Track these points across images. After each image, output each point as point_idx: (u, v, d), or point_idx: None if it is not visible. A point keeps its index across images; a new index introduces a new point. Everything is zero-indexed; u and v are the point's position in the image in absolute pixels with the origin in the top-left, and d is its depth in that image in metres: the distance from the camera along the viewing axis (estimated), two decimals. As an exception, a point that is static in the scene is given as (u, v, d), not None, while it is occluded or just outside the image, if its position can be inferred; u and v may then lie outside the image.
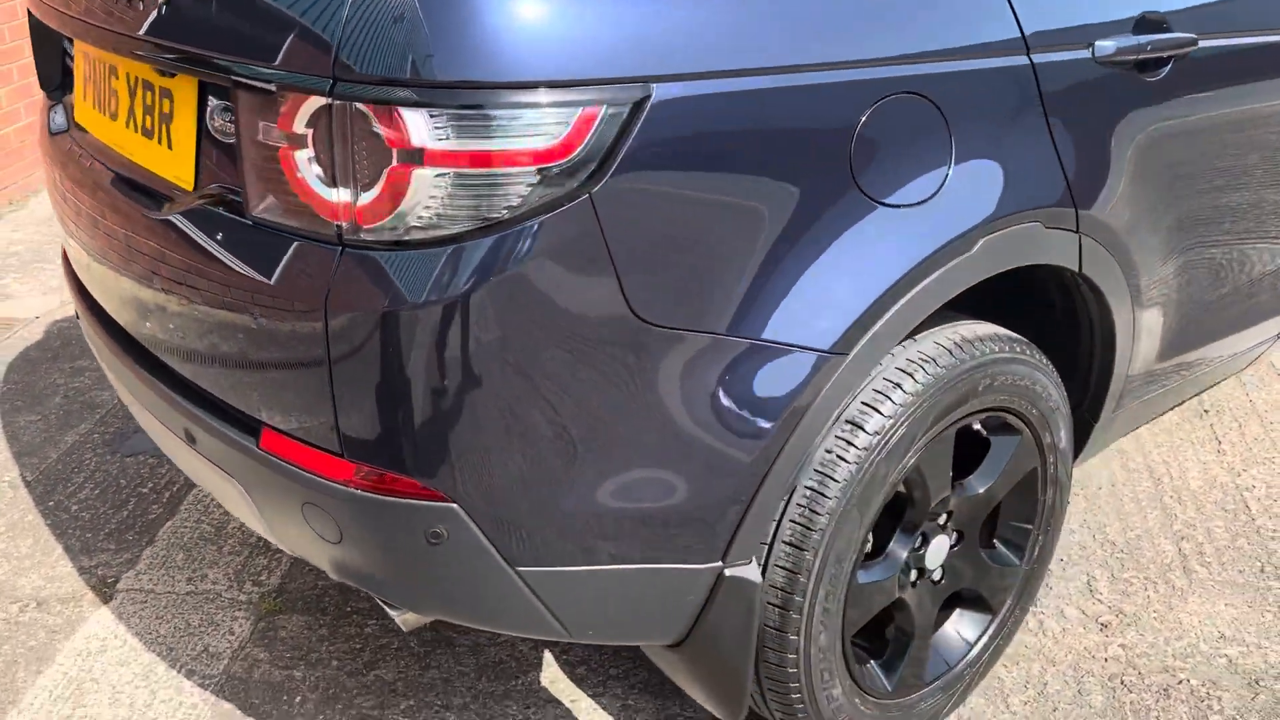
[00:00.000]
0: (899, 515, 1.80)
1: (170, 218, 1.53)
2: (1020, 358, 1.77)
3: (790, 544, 1.60)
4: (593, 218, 1.27)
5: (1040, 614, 2.30)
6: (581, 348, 1.34)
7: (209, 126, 1.46)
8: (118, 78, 1.67)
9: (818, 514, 1.59)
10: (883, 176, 1.47)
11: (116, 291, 1.74)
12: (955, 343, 1.70)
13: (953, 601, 2.01)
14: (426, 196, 1.25)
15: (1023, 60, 1.59)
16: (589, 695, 2.10)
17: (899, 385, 1.63)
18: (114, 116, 1.70)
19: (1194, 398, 3.15)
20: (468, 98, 1.22)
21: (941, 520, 1.84)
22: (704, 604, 1.55)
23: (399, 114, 1.22)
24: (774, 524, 1.60)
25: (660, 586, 1.51)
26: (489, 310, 1.28)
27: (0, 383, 3.31)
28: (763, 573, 1.61)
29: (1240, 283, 2.21)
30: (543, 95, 1.23)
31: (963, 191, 1.54)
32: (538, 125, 1.23)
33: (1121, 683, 2.12)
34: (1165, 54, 1.77)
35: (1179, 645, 2.21)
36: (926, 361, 1.66)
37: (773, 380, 1.43)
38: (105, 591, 2.39)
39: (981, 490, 1.85)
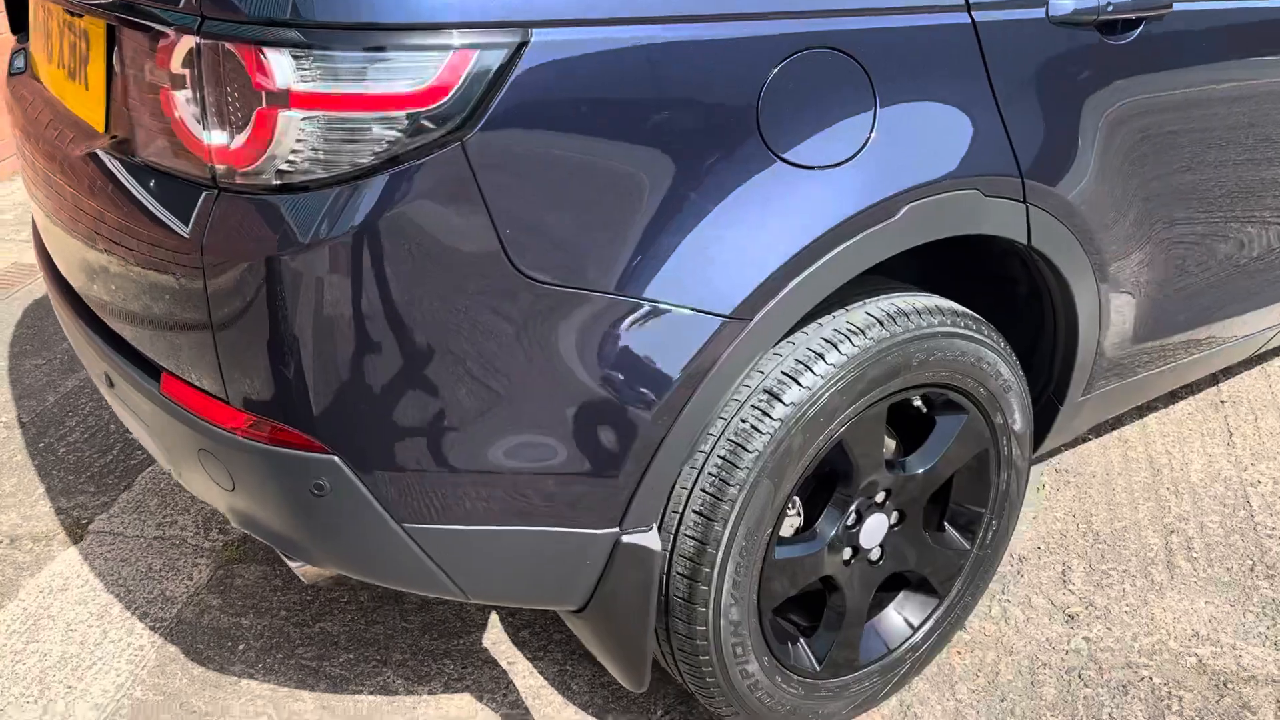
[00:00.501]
0: (830, 491, 1.74)
1: (85, 160, 1.53)
2: (964, 333, 1.69)
3: (700, 514, 1.56)
4: (466, 167, 1.24)
5: (1005, 601, 2.22)
6: (460, 301, 1.30)
7: (114, 68, 1.46)
8: (52, 18, 1.67)
9: (728, 485, 1.54)
10: (795, 135, 1.41)
11: (54, 235, 1.76)
12: (888, 314, 1.63)
13: (897, 583, 1.94)
14: (294, 140, 1.22)
15: (963, 18, 1.50)
16: (528, 658, 2.08)
17: (821, 356, 1.57)
18: (50, 58, 1.71)
19: (1210, 386, 3.02)
20: (332, 39, 1.19)
21: (879, 499, 1.77)
22: (603, 571, 1.51)
23: (264, 55, 1.19)
24: (683, 492, 1.56)
25: (555, 551, 1.48)
26: (360, 259, 1.26)
27: (16, 326, 3.39)
28: (673, 543, 1.58)
29: (1229, 265, 2.09)
30: (411, 38, 1.19)
31: (887, 154, 1.47)
32: (406, 69, 1.20)
33: (1079, 676, 2.04)
34: (1134, 15, 1.66)
35: (1147, 641, 2.12)
36: (855, 333, 1.60)
37: (667, 344, 1.39)
38: (77, 533, 2.44)
39: (922, 470, 1.78)
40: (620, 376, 1.38)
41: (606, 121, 1.30)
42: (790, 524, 1.77)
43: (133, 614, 2.20)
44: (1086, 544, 2.40)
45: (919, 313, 1.66)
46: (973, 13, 1.51)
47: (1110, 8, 1.61)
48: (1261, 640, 2.11)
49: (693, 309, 1.38)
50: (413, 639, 2.13)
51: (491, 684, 2.02)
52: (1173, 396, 3.00)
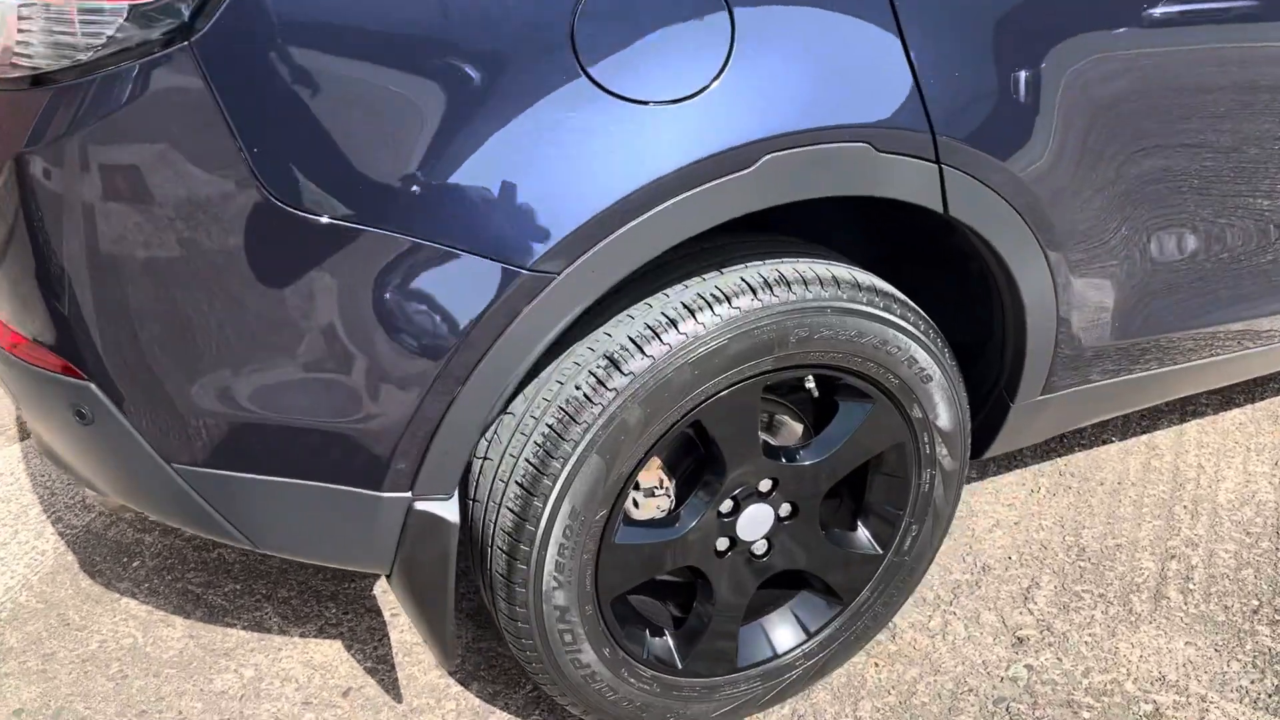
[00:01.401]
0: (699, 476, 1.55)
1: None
2: (863, 310, 1.46)
3: (521, 486, 1.40)
4: (197, 71, 1.09)
5: (950, 614, 1.99)
6: (207, 224, 1.17)
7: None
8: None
9: (552, 458, 1.38)
10: (623, 62, 1.20)
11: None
12: (765, 281, 1.42)
13: (799, 582, 1.74)
14: (16, 30, 1.09)
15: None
16: (413, 612, 1.97)
17: (675, 323, 1.38)
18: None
19: (1278, 396, 2.64)
20: (42, -83, 1.05)
21: (763, 488, 1.57)
22: (400, 537, 1.37)
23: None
24: (511, 461, 1.40)
25: (339, 509, 1.35)
26: (91, 166, 1.14)
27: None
28: (496, 515, 1.42)
29: (1240, 253, 1.77)
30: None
31: (743, 92, 1.24)
32: (122, -47, 1.05)
33: (1005, 709, 1.80)
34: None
35: (1100, 679, 1.86)
36: (718, 300, 1.39)
37: (451, 296, 1.22)
38: (23, 432, 2.45)
39: (814, 461, 1.57)
40: (393, 328, 1.22)
41: (374, 34, 1.12)
42: (660, 507, 1.58)
43: (48, 518, 2.19)
44: (1067, 559, 2.13)
45: (806, 282, 1.43)
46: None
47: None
48: (1239, 696, 1.82)
49: (485, 257, 1.20)
50: (305, 577, 2.05)
51: (367, 634, 1.92)
52: (1226, 402, 2.64)
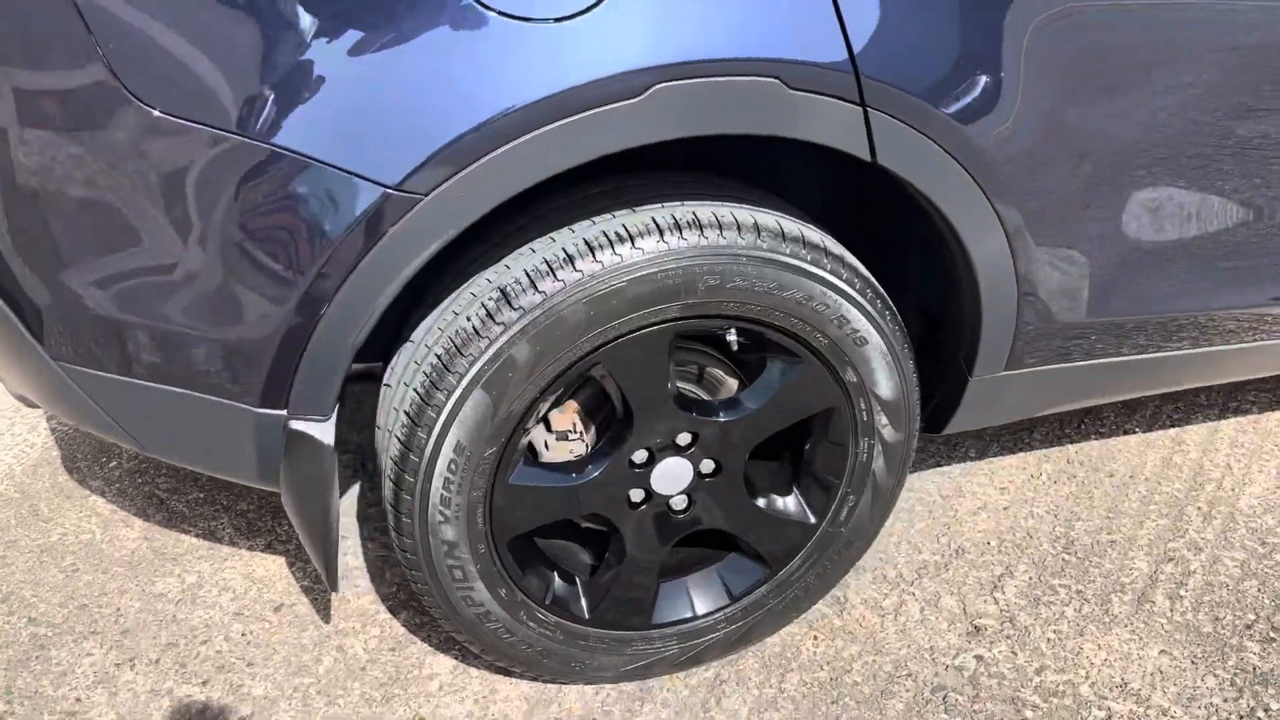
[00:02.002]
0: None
1: None
2: (783, 260, 1.37)
3: (408, 416, 1.37)
4: (50, -36, 1.07)
5: (909, 594, 1.89)
6: (66, 122, 1.16)
7: None
8: None
9: (437, 389, 1.34)
10: (503, -24, 1.14)
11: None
12: (673, 222, 1.34)
13: (730, 544, 1.67)
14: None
15: None
16: (363, 537, 1.98)
17: (572, 260, 1.32)
18: None
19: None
20: None
21: (682, 441, 1.51)
22: (284, 455, 1.36)
23: None
24: (401, 389, 1.37)
25: (217, 420, 1.34)
26: (-43, 60, 1.13)
27: None
28: (387, 443, 1.40)
29: (1245, 226, 1.60)
30: None
31: (631, 15, 1.17)
32: None
33: (943, 699, 1.70)
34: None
35: (1054, 679, 1.74)
36: (621, 239, 1.33)
37: (315, 208, 1.18)
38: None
39: (733, 418, 1.50)
40: (256, 240, 1.20)
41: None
42: (573, 451, 1.54)
43: (45, 415, 2.27)
44: (1051, 550, 2.00)
45: (721, 226, 1.35)
46: None
47: None
48: (1207, 714, 1.68)
49: (348, 172, 1.17)
50: (269, 494, 2.08)
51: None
52: (1276, 401, 2.43)
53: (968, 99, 1.31)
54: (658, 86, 1.19)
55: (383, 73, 1.14)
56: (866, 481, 1.61)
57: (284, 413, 1.32)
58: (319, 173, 1.16)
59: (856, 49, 1.23)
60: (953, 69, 1.29)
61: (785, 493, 1.65)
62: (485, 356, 1.32)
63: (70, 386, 1.33)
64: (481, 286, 1.35)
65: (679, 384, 1.58)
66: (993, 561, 1.97)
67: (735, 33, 1.19)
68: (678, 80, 1.19)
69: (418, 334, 1.41)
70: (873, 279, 1.47)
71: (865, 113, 1.27)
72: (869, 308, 1.45)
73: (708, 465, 1.54)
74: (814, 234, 1.42)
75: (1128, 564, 1.97)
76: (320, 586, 1.86)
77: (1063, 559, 1.98)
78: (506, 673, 1.69)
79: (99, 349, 1.30)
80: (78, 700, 1.65)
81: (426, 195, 1.18)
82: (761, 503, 1.61)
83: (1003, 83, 1.32)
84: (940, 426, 1.71)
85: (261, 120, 1.15)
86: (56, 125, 1.16)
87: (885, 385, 1.52)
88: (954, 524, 2.06)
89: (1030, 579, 1.93)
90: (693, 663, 1.69)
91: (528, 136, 1.17)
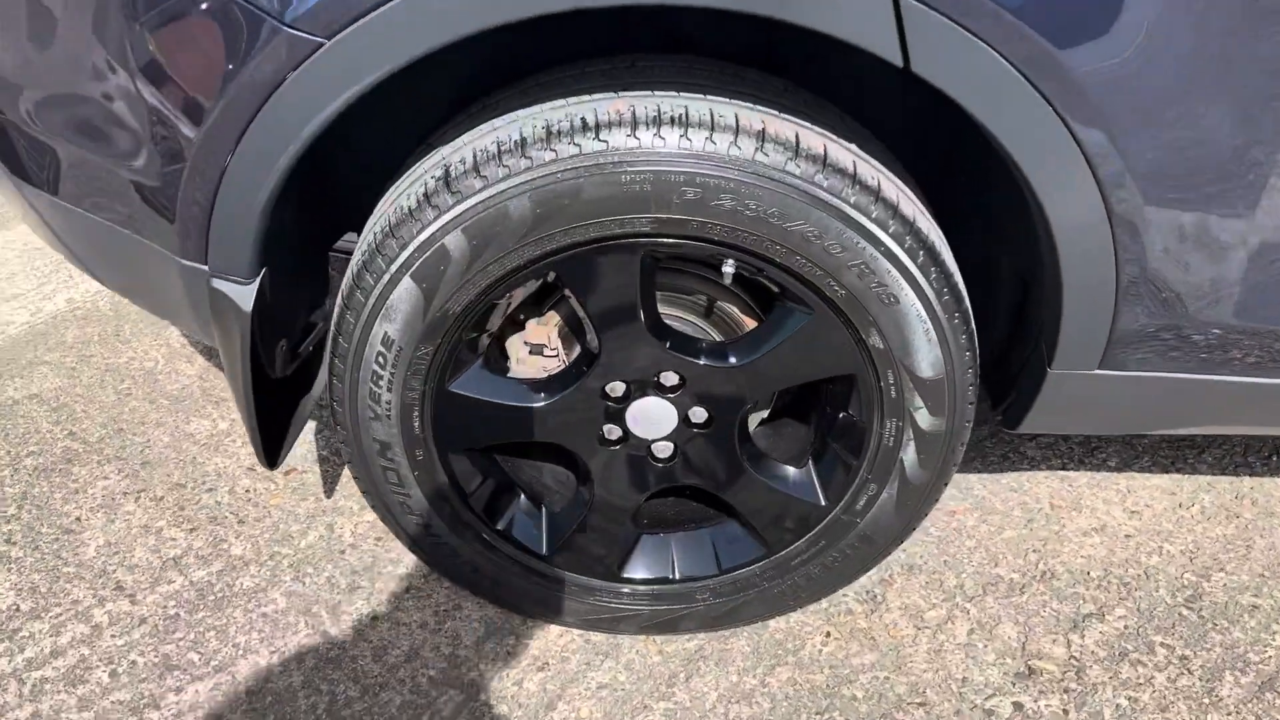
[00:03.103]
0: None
1: None
2: (788, 180, 1.10)
3: (342, 299, 1.24)
4: None
5: (960, 611, 1.59)
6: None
7: None
8: None
9: (367, 272, 1.20)
10: None
11: None
12: (652, 116, 1.10)
13: (726, 507, 1.45)
14: None
15: None
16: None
17: (523, 145, 1.11)
18: None
19: None
20: None
21: (666, 381, 1.29)
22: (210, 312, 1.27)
23: None
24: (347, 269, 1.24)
25: (151, 264, 1.26)
26: None
27: None
28: (328, 327, 1.28)
29: None
30: None
31: None
32: None
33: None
34: None
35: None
36: (585, 129, 1.11)
37: (211, 42, 1.04)
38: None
39: (725, 365, 1.26)
40: (156, 75, 1.08)
41: None
42: (547, 369, 1.36)
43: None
44: (1169, 600, 1.62)
45: (715, 128, 1.10)
46: None
47: None
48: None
49: (245, 3, 1.01)
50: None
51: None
52: None
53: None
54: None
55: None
56: (892, 470, 1.32)
57: (205, 268, 1.21)
58: (215, 3, 1.01)
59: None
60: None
61: (800, 463, 1.39)
62: (415, 242, 1.15)
63: (33, 209, 1.29)
64: (430, 164, 1.18)
65: (681, 314, 1.35)
66: (1085, 596, 1.62)
67: None
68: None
69: (377, 209, 1.26)
70: (923, 225, 1.17)
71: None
72: (905, 259, 1.15)
73: (699, 415, 1.32)
74: (844, 156, 1.13)
75: (1266, 639, 1.56)
76: (337, 459, 1.80)
77: (1180, 613, 1.60)
78: (476, 590, 1.57)
79: (32, 167, 1.24)
80: (77, 520, 1.68)
81: (327, 41, 1.01)
82: (762, 470, 1.36)
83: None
84: (1015, 423, 1.38)
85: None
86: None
87: (923, 359, 1.22)
88: (1054, 541, 1.71)
89: (1125, 627, 1.57)
90: (664, 629, 1.49)
91: (443, -16, 0.97)
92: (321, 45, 1.01)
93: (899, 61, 1.01)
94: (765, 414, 1.50)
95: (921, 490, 1.34)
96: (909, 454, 1.30)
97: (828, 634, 1.54)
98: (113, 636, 1.49)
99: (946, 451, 1.31)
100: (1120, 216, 1.10)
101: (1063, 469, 1.86)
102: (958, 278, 1.21)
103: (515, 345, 1.35)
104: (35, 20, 1.11)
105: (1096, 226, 1.11)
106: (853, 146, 1.15)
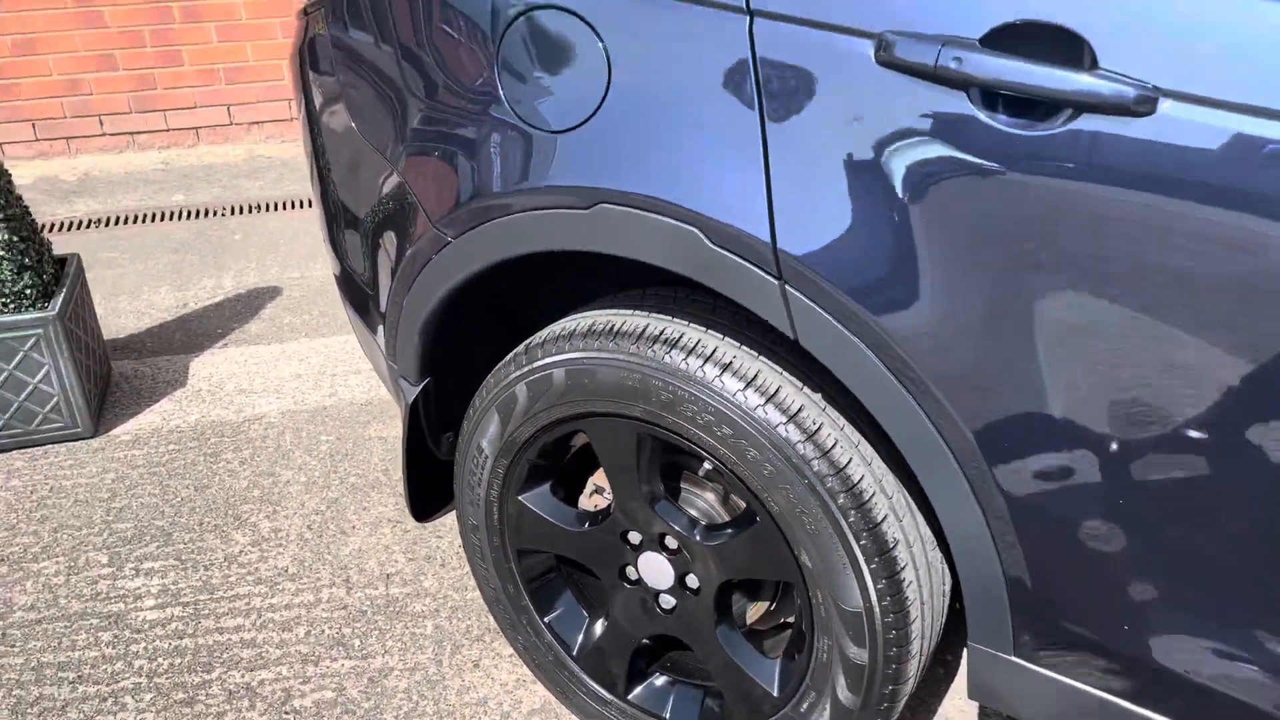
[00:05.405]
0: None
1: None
2: (721, 394, 1.39)
3: (471, 406, 1.72)
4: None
5: None
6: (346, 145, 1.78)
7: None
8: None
9: (479, 397, 1.66)
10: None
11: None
12: (640, 331, 1.45)
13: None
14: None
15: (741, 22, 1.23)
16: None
17: (570, 336, 1.53)
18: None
19: None
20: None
21: (663, 538, 1.59)
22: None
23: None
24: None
25: (377, 355, 1.86)
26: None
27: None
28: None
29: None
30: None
31: (581, 143, 1.36)
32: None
33: None
34: (1062, 97, 1.06)
35: None
36: (601, 333, 1.49)
37: (399, 226, 1.62)
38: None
39: (701, 541, 1.53)
40: (381, 225, 1.68)
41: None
42: (598, 505, 1.73)
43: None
44: None
45: (675, 347, 1.41)
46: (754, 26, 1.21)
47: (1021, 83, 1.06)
48: None
49: (414, 204, 1.58)
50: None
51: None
52: None
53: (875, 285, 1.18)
54: (600, 205, 1.35)
55: (442, 135, 1.52)
56: (828, 689, 1.49)
57: (396, 367, 1.78)
58: (404, 202, 1.59)
59: (779, 220, 1.23)
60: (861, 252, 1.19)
61: (773, 654, 1.59)
62: (501, 384, 1.61)
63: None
64: (538, 334, 1.63)
65: (694, 489, 1.62)
66: None
67: (662, 175, 1.29)
68: (617, 205, 1.34)
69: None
70: (845, 463, 1.35)
71: (784, 291, 1.25)
72: (824, 495, 1.36)
73: (693, 581, 1.59)
74: (773, 383, 1.37)
75: None
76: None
77: None
78: (529, 666, 1.93)
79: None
80: (352, 527, 2.34)
81: (450, 238, 1.53)
82: (734, 648, 1.59)
83: (910, 266, 1.16)
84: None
85: (389, 152, 1.61)
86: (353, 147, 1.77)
87: (846, 591, 1.40)
88: None
89: None
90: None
91: (526, 214, 1.44)
92: (449, 243, 1.53)
93: (790, 334, 1.27)
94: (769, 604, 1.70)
95: (855, 715, 1.47)
96: (839, 678, 1.46)
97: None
98: (322, 611, 2.10)
99: (871, 684, 1.43)
100: (981, 489, 1.23)
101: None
102: (874, 518, 1.35)
103: (589, 483, 1.74)
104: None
105: (962, 497, 1.25)
106: (794, 379, 1.39)
